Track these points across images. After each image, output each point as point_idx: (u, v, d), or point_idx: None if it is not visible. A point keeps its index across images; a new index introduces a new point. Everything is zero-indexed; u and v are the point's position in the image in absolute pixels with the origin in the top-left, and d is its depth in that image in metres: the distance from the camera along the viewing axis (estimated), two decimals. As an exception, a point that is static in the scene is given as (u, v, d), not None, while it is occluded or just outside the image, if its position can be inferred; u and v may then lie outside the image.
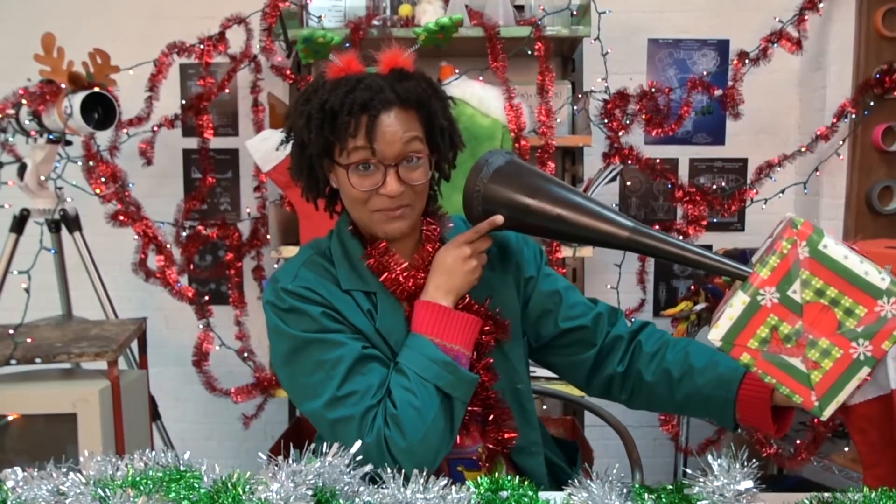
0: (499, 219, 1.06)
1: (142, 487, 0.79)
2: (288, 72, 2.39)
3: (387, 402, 1.02)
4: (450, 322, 1.05)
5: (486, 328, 1.12)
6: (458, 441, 1.12)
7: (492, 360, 1.12)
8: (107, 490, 0.77)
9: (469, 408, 1.09)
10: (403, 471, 0.96)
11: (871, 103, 2.42)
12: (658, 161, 2.48)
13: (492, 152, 1.10)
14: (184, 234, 2.53)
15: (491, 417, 1.12)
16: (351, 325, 1.08)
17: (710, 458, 0.77)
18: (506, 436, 1.12)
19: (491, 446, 1.13)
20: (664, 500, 0.81)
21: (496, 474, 1.17)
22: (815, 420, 1.82)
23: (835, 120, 2.44)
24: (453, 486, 0.77)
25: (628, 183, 2.73)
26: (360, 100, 1.01)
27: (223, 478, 0.79)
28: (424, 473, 0.77)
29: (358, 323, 1.08)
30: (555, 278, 1.25)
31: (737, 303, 0.87)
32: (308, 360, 1.05)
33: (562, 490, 0.81)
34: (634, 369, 1.16)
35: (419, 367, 1.02)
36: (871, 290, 0.83)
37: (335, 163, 1.06)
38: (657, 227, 2.48)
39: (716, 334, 0.89)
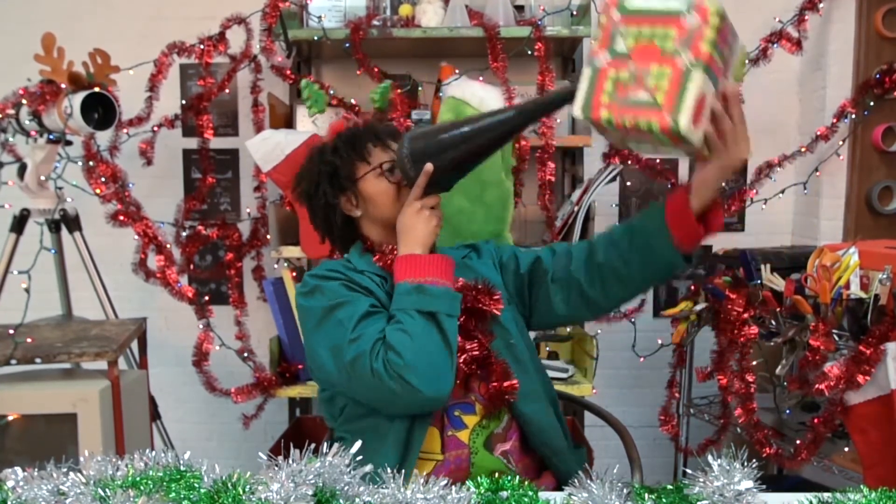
0: (429, 166, 1.22)
1: (142, 487, 0.79)
2: (288, 72, 2.39)
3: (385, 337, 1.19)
4: (419, 263, 1.22)
5: (482, 301, 1.28)
6: (458, 392, 1.26)
7: (487, 323, 1.29)
8: (107, 490, 0.78)
9: (471, 366, 1.25)
10: (419, 396, 1.13)
11: (871, 103, 2.42)
12: (658, 161, 2.48)
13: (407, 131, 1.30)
14: (184, 234, 2.53)
15: (490, 369, 1.27)
16: (365, 288, 1.26)
17: (710, 458, 0.77)
18: (506, 385, 1.25)
19: (492, 395, 1.26)
20: (664, 500, 0.81)
21: (499, 419, 1.29)
22: (815, 420, 1.82)
23: (835, 120, 2.44)
24: (453, 487, 0.77)
25: (628, 183, 2.72)
26: (375, 127, 1.36)
27: (223, 478, 0.79)
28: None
29: (371, 288, 1.27)
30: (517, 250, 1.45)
31: (583, 78, 1.04)
32: (331, 323, 1.22)
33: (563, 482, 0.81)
34: (592, 261, 1.30)
35: (398, 303, 1.20)
36: (674, 13, 1.00)
37: (359, 180, 1.30)
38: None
39: (575, 108, 1.04)
